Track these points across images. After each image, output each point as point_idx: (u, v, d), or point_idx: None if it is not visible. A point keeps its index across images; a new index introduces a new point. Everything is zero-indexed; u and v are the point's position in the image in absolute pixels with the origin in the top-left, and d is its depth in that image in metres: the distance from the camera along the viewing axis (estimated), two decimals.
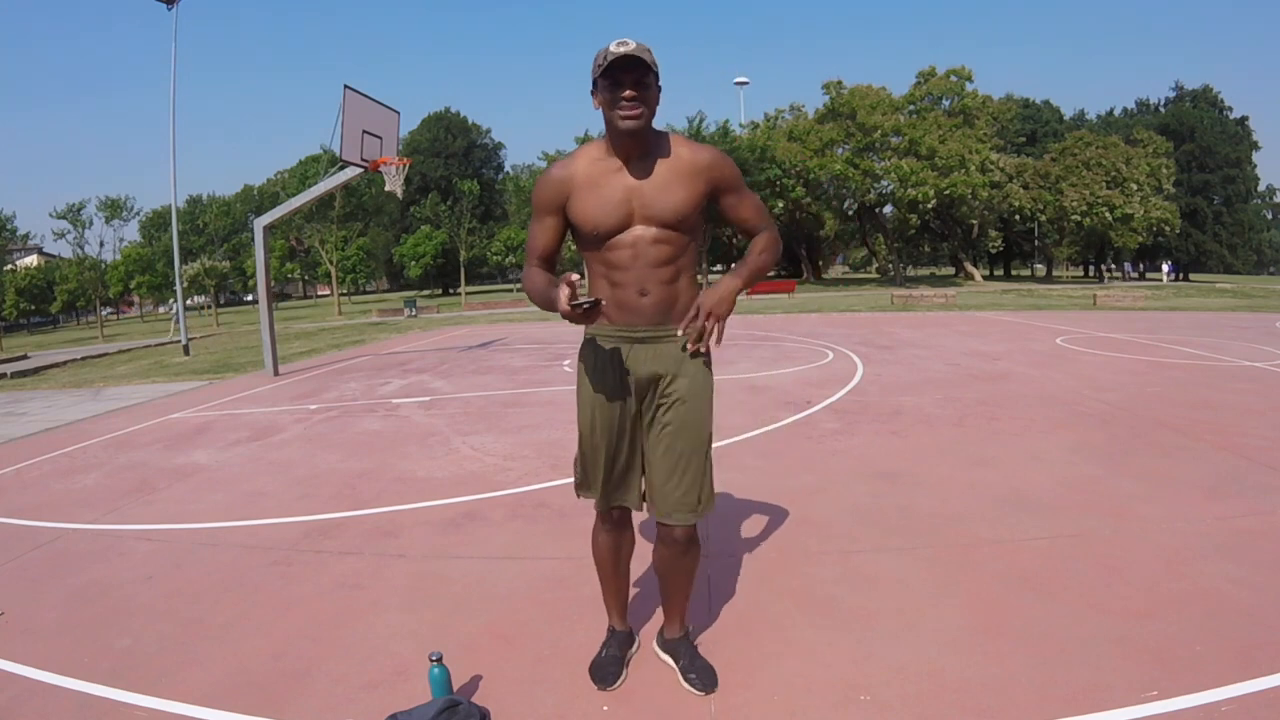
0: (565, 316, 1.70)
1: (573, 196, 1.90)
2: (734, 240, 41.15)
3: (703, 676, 2.09)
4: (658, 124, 1.90)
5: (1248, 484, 3.69)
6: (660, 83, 1.85)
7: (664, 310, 1.93)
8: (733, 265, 2.19)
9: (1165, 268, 44.15)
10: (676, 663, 2.16)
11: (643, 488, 2.06)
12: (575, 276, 1.72)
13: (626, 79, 1.77)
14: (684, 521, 1.98)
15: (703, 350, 1.91)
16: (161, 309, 25.84)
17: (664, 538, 2.05)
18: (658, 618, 2.50)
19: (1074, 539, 3.08)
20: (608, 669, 2.14)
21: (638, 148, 1.86)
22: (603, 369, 1.98)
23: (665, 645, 2.24)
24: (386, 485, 4.34)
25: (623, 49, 1.74)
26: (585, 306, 1.69)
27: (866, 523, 3.36)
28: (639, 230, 1.88)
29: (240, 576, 3.08)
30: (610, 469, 2.02)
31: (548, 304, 1.80)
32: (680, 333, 1.86)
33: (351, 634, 2.52)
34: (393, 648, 2.41)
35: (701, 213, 1.94)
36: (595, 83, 1.82)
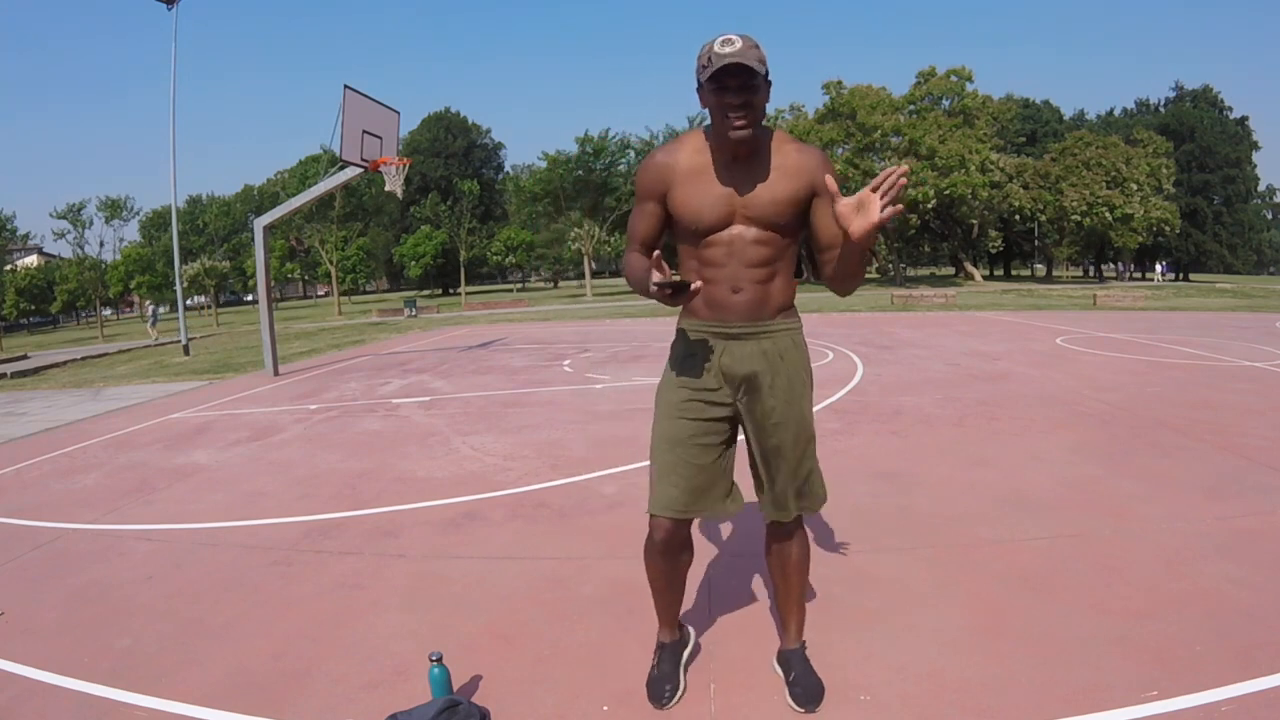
0: (658, 299, 1.65)
1: (674, 186, 1.84)
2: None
3: (807, 693, 1.98)
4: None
5: (1248, 484, 3.69)
6: (770, 77, 1.75)
7: (755, 308, 1.86)
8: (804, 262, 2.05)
9: (1159, 267, 44.42)
10: (786, 676, 2.07)
11: (731, 492, 1.97)
12: (656, 253, 1.67)
13: (733, 84, 1.67)
14: (790, 516, 1.97)
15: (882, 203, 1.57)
16: (148, 308, 25.90)
17: (774, 534, 2.03)
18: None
19: (1074, 539, 3.07)
20: (660, 687, 2.04)
21: (745, 147, 1.78)
22: (693, 367, 1.91)
23: (779, 656, 2.15)
24: (386, 485, 4.34)
25: (728, 49, 1.65)
26: (670, 289, 1.61)
27: (866, 523, 3.36)
28: (738, 229, 1.81)
29: (240, 576, 3.08)
30: (694, 471, 1.90)
31: (642, 286, 1.72)
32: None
33: (351, 634, 2.52)
34: (393, 648, 2.41)
35: (803, 215, 1.84)
36: (700, 83, 1.74)
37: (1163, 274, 44.25)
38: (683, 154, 1.84)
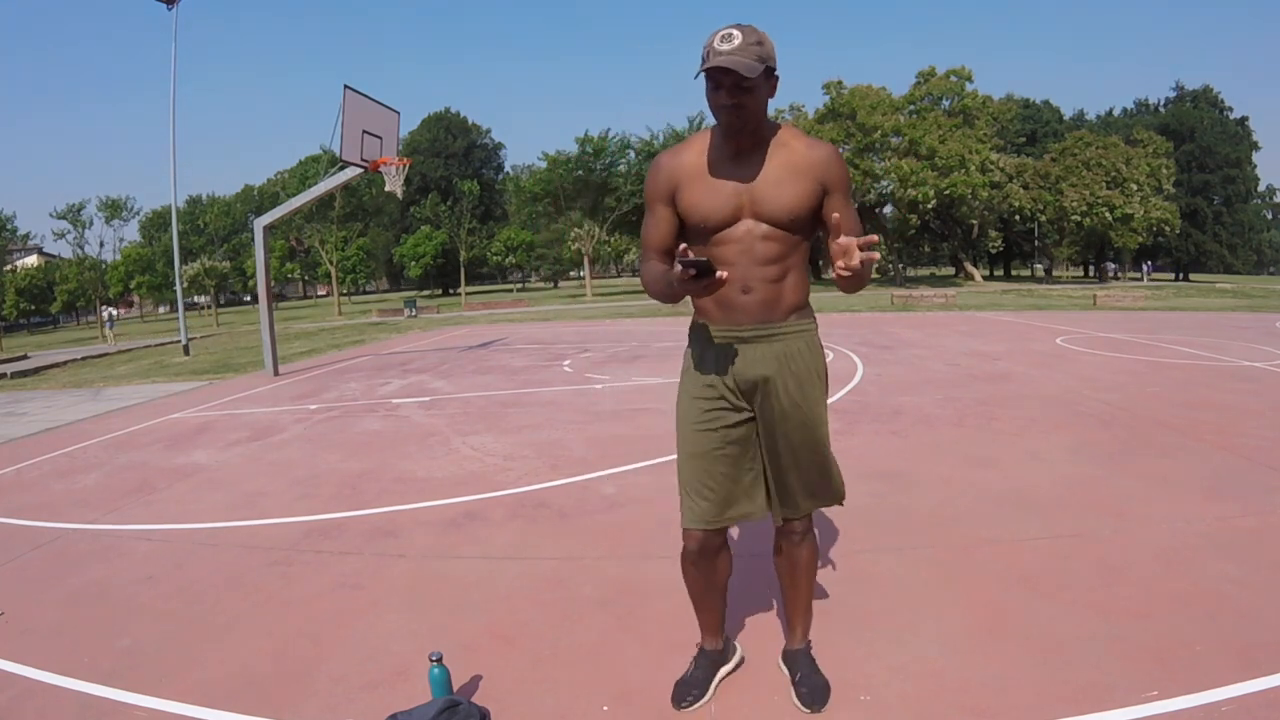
0: (683, 287, 1.61)
1: (682, 187, 1.82)
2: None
3: (813, 693, 1.98)
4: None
5: (1247, 484, 3.69)
6: (777, 72, 1.73)
7: (767, 309, 1.83)
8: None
9: (1145, 267, 44.78)
10: (792, 676, 2.06)
11: (761, 493, 1.97)
12: (684, 246, 1.64)
13: (726, 82, 1.66)
14: (804, 511, 1.96)
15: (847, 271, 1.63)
16: (105, 312, 25.98)
17: (783, 532, 2.00)
18: (665, 623, 2.50)
19: (1074, 539, 3.07)
20: (687, 689, 2.03)
21: (747, 141, 1.77)
22: (707, 370, 1.89)
23: (785, 656, 2.15)
24: (386, 485, 4.34)
25: (725, 47, 1.64)
26: (694, 269, 1.57)
27: (866, 523, 3.36)
28: (748, 225, 1.79)
29: (240, 576, 3.08)
30: (717, 479, 1.88)
31: (667, 288, 1.71)
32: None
33: (351, 634, 2.52)
34: (393, 648, 2.41)
35: (813, 212, 1.82)
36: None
37: (1148, 274, 44.85)
38: (689, 155, 1.84)
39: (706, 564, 1.98)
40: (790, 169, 1.78)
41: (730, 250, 1.80)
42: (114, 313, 27.75)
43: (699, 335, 1.94)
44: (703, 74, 1.68)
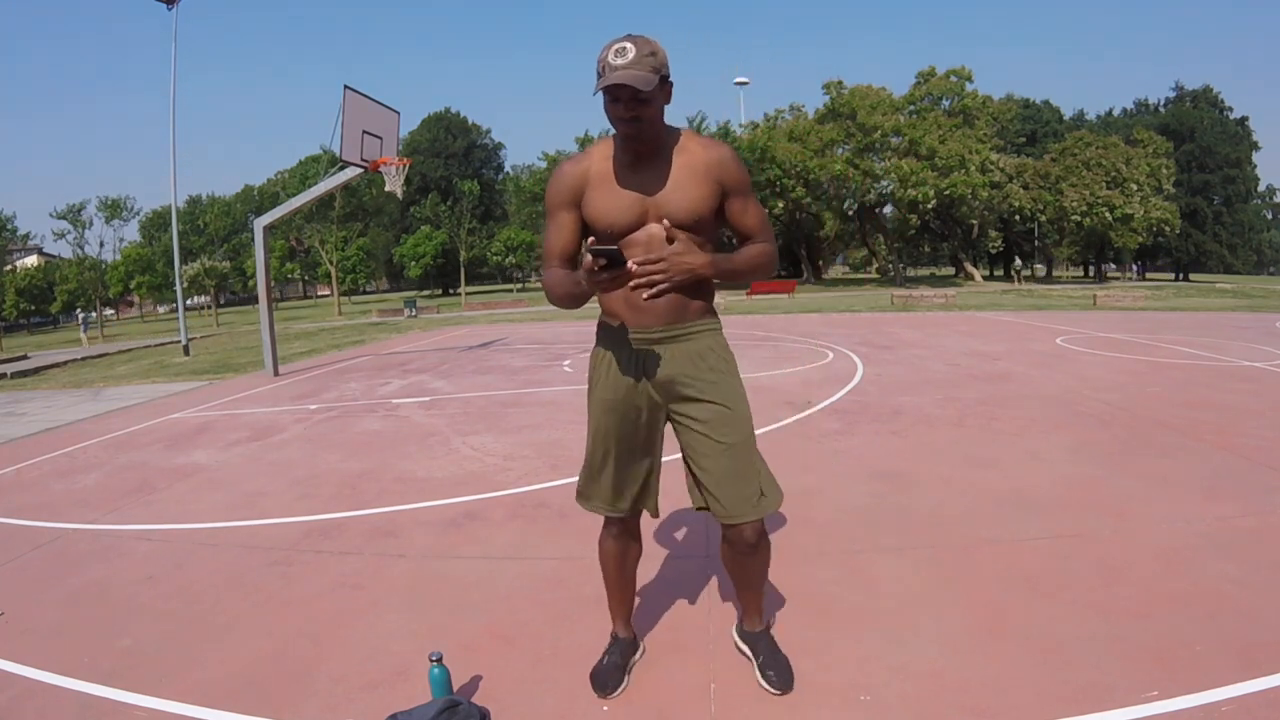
0: (593, 284, 1.66)
1: (586, 193, 1.87)
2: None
3: (780, 675, 2.06)
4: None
5: (1247, 484, 3.69)
6: (671, 79, 1.79)
7: (678, 310, 1.88)
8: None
9: (1134, 268, 44.96)
10: (755, 658, 2.14)
11: (655, 493, 2.07)
12: (591, 239, 1.69)
13: (623, 95, 1.71)
14: (750, 518, 1.92)
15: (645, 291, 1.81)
16: (79, 315, 26.19)
17: (732, 539, 1.98)
18: (665, 623, 2.50)
19: (1074, 539, 3.07)
20: (608, 676, 2.11)
21: (646, 148, 1.83)
22: (617, 371, 1.92)
23: (745, 637, 2.21)
24: (386, 485, 4.34)
25: (619, 61, 1.68)
26: (604, 260, 1.61)
27: (866, 523, 3.36)
28: (653, 229, 1.83)
29: (240, 576, 3.08)
30: (624, 474, 1.99)
31: (574, 288, 1.77)
32: (631, 265, 1.69)
33: (351, 634, 2.52)
34: (393, 648, 2.41)
35: (716, 212, 1.89)
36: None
37: (1138, 274, 45.18)
38: (592, 161, 1.89)
39: (620, 544, 2.12)
40: (690, 172, 1.84)
41: (637, 253, 1.82)
42: (89, 316, 27.88)
43: (608, 336, 1.97)
44: (601, 91, 1.73)
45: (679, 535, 3.26)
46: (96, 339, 26.26)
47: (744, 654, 2.20)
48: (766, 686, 2.05)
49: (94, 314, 35.52)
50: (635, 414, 1.94)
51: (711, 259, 1.86)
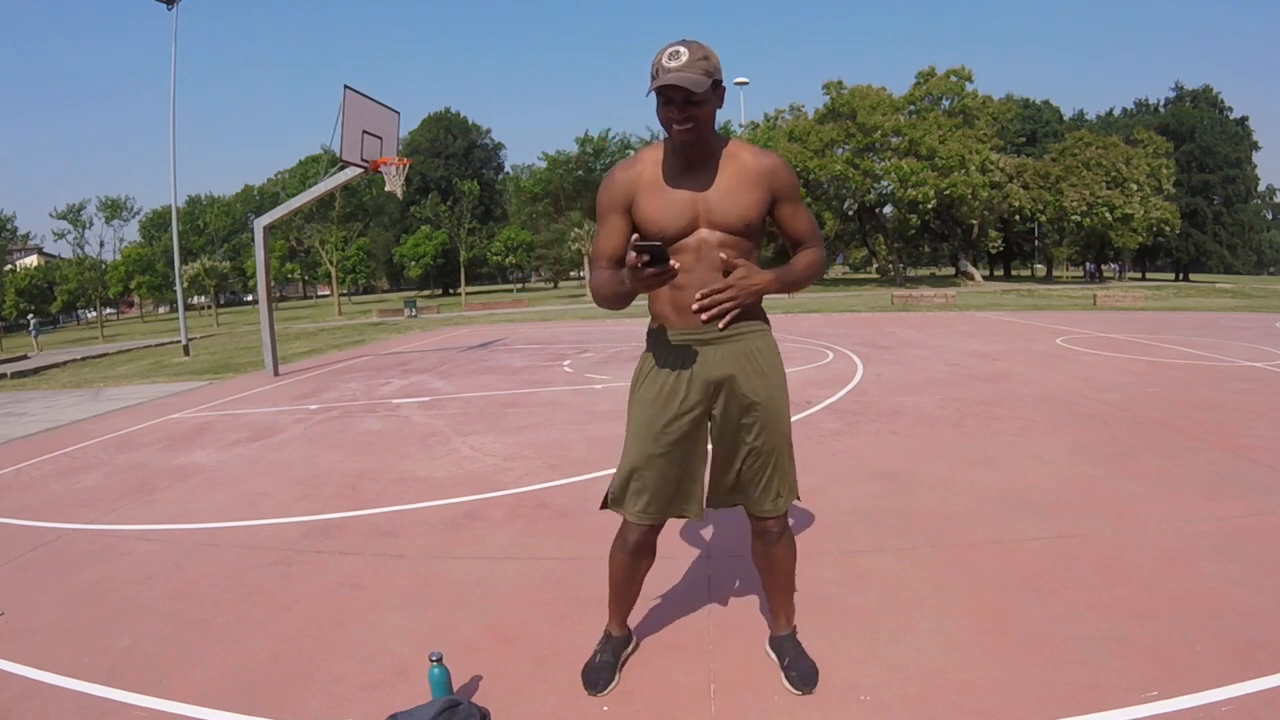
0: (637, 281, 1.68)
1: (638, 199, 1.89)
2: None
3: (803, 676, 2.07)
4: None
5: (1248, 484, 3.69)
6: (724, 83, 1.82)
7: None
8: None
9: (1116, 267, 45.28)
10: (781, 661, 2.16)
11: (704, 493, 2.09)
12: (635, 235, 1.71)
13: (677, 96, 1.74)
14: (774, 511, 2.04)
15: (718, 323, 1.88)
16: (32, 319, 26.31)
17: (758, 532, 2.09)
18: (665, 623, 2.50)
19: (1074, 539, 3.07)
20: (600, 674, 2.12)
21: (698, 155, 1.85)
22: (665, 372, 1.94)
23: (773, 643, 2.23)
24: (386, 485, 4.34)
25: (674, 64, 1.71)
26: (648, 256, 1.62)
27: (866, 523, 3.36)
28: (704, 234, 1.85)
29: (240, 576, 3.08)
30: (664, 478, 1.98)
31: (619, 287, 1.78)
32: (698, 296, 1.81)
33: (351, 634, 2.52)
34: (393, 648, 2.41)
35: (764, 219, 1.93)
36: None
37: (1118, 273, 45.72)
38: (643, 167, 1.91)
39: (638, 556, 2.10)
40: (740, 179, 1.87)
41: (688, 258, 1.86)
42: (42, 322, 27.90)
43: (657, 339, 1.99)
44: (654, 91, 1.76)
45: (679, 535, 3.26)
46: (118, 337, 26.29)
47: (773, 660, 2.20)
48: (789, 687, 2.07)
49: (41, 320, 35.60)
50: (680, 415, 1.94)
51: (775, 275, 1.89)
